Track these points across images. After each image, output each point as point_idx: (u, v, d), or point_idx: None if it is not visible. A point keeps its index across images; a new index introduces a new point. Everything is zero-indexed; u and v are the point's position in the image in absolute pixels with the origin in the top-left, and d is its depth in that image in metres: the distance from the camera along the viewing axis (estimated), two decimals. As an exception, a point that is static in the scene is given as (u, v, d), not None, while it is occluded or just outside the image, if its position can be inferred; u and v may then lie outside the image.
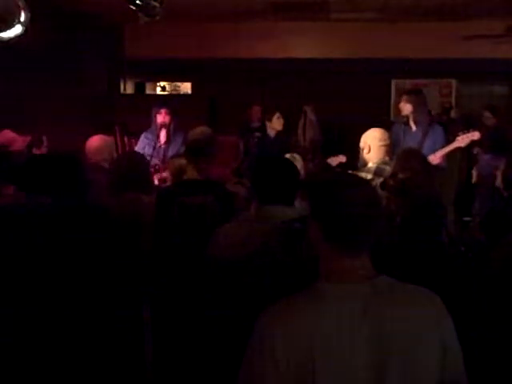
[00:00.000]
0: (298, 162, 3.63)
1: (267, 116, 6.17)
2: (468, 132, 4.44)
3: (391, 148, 3.98)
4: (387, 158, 3.86)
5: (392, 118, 7.58)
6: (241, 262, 2.08)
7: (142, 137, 5.30)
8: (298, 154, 4.18)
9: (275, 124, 6.06)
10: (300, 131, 7.38)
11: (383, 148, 3.87)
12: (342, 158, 4.70)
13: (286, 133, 6.55)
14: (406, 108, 4.74)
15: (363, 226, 1.39)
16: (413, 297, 1.42)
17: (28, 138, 3.82)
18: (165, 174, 5.00)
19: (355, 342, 1.33)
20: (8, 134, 3.78)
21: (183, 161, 3.45)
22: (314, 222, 1.43)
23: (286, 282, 1.48)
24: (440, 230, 2.60)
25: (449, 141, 4.65)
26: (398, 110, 5.02)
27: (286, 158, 2.76)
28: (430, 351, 1.36)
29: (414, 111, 4.70)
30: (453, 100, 8.05)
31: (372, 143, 3.88)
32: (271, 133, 6.13)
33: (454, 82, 8.00)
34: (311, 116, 7.34)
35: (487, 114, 6.38)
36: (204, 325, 2.30)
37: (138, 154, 3.92)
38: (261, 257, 2.07)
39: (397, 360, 1.33)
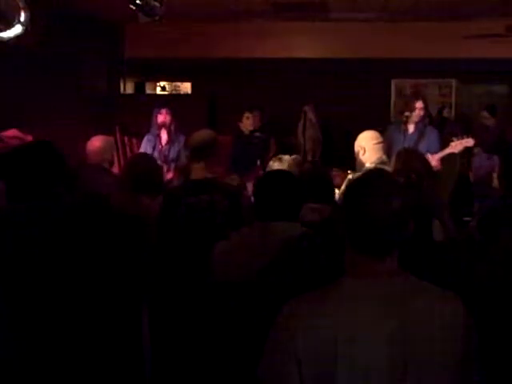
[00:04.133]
0: (285, 164, 3.58)
1: (238, 117, 6.31)
2: (462, 138, 4.42)
3: (385, 146, 3.98)
4: (384, 157, 3.84)
5: (392, 118, 7.58)
6: (247, 284, 2.04)
7: (145, 139, 5.35)
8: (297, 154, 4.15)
9: (245, 124, 6.26)
10: (300, 131, 7.39)
11: (378, 146, 3.85)
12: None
13: (285, 134, 6.57)
14: (418, 104, 4.76)
15: (385, 234, 1.41)
16: (434, 297, 1.42)
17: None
18: (169, 176, 5.02)
19: (376, 340, 1.34)
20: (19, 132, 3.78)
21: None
22: (341, 222, 1.46)
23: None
24: (428, 229, 2.60)
25: (443, 140, 4.65)
26: (398, 111, 5.02)
27: (287, 173, 2.52)
28: (448, 351, 1.37)
29: (424, 108, 4.75)
30: (453, 100, 8.04)
31: (366, 144, 3.86)
32: (245, 131, 6.32)
33: (453, 82, 8.00)
34: (311, 116, 7.34)
35: (485, 114, 6.37)
36: (206, 333, 2.28)
37: (153, 158, 4.01)
38: (268, 277, 2.03)
39: (416, 358, 1.34)
